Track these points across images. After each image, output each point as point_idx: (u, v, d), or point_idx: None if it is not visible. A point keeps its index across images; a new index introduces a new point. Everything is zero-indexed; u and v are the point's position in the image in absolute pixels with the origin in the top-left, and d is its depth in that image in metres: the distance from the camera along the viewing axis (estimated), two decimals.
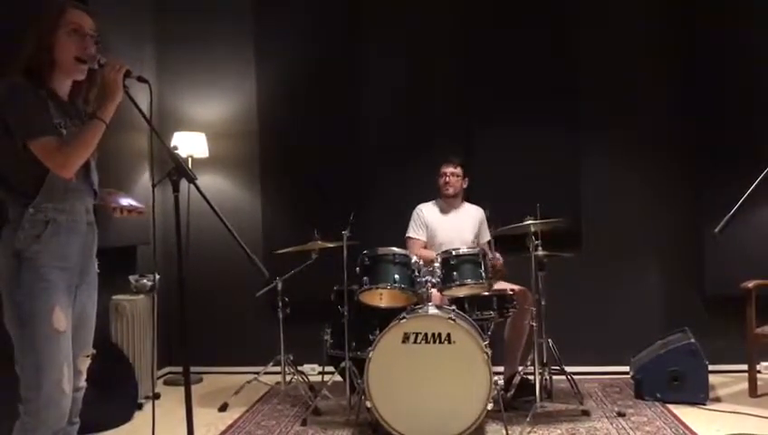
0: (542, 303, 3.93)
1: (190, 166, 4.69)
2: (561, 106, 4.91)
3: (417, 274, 3.81)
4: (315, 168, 4.99)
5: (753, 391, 4.21)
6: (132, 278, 4.44)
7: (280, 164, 5.10)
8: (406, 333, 3.49)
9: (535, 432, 3.65)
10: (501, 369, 4.17)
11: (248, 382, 4.41)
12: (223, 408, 4.21)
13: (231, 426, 3.91)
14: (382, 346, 3.51)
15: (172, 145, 4.65)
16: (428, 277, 3.78)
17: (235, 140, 5.18)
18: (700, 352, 4.10)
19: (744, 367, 4.28)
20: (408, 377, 3.48)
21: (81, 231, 2.35)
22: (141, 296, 4.36)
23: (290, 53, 5.08)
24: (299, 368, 4.51)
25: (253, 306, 4.71)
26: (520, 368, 4.12)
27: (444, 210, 4.51)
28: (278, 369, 4.38)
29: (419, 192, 4.61)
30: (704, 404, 4.04)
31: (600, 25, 4.92)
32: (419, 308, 3.67)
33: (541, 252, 3.88)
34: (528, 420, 3.68)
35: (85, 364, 2.44)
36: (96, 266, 2.47)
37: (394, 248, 3.88)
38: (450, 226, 4.45)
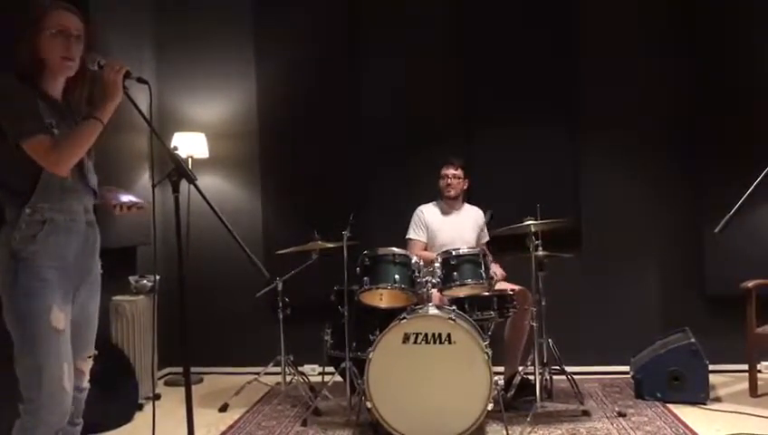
0: (543, 303, 3.93)
1: (190, 166, 4.69)
2: (560, 106, 4.91)
3: (417, 274, 3.81)
4: (315, 168, 4.99)
5: (753, 390, 4.21)
6: (132, 279, 4.44)
7: (280, 164, 5.10)
8: (406, 334, 3.49)
9: (536, 432, 3.65)
10: (501, 369, 4.17)
11: (249, 383, 4.42)
12: (223, 408, 4.21)
13: (231, 426, 3.91)
14: (382, 346, 3.51)
15: (172, 146, 4.68)
16: (428, 277, 3.78)
17: (235, 141, 5.18)
18: (700, 351, 4.10)
19: (745, 367, 4.28)
20: (409, 377, 3.48)
21: (79, 231, 2.35)
22: (141, 297, 4.36)
23: (290, 54, 5.08)
24: (299, 368, 4.51)
25: (253, 307, 4.71)
26: (520, 368, 4.12)
27: (445, 212, 4.50)
28: (278, 369, 4.38)
29: (419, 192, 4.61)
30: (704, 404, 4.04)
31: (601, 25, 4.91)
32: (420, 308, 3.67)
33: (541, 252, 3.88)
34: (528, 420, 3.68)
35: (88, 365, 2.44)
36: (99, 267, 2.47)
37: (394, 248, 3.88)
38: (451, 227, 4.45)
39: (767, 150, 3.34)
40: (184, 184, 2.37)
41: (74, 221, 2.33)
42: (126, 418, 3.97)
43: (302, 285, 4.26)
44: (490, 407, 3.42)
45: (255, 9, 5.14)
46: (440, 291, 3.84)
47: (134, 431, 3.89)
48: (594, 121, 4.91)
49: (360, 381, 3.78)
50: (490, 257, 4.08)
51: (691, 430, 3.62)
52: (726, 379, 4.56)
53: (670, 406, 4.02)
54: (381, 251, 3.84)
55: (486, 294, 3.88)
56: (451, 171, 4.44)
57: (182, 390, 2.41)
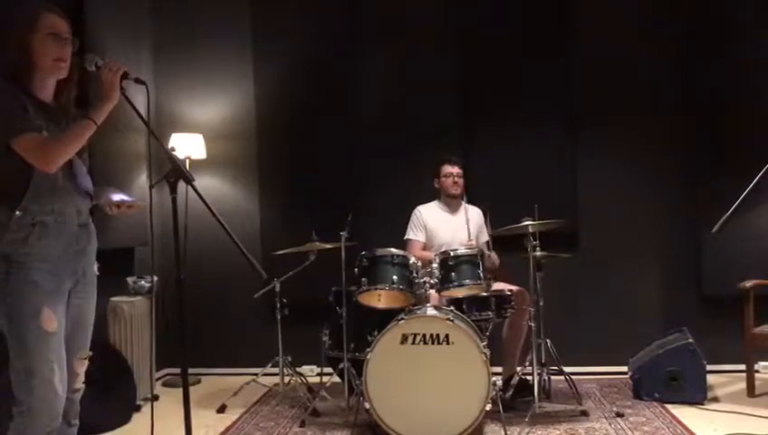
0: (541, 303, 3.93)
1: (188, 167, 4.71)
2: (559, 106, 4.91)
3: (415, 275, 3.81)
4: (313, 169, 4.99)
5: (751, 390, 4.21)
6: (130, 280, 4.44)
7: (278, 165, 5.10)
8: (404, 334, 3.49)
9: (534, 433, 3.64)
10: (499, 369, 4.17)
11: (247, 384, 4.41)
12: (221, 409, 4.20)
13: (229, 427, 3.90)
14: (381, 347, 3.51)
15: (170, 146, 4.67)
16: (427, 278, 3.78)
17: (232, 142, 5.18)
18: (698, 352, 4.10)
19: (742, 367, 4.29)
20: (407, 378, 3.48)
21: (70, 232, 2.34)
22: (139, 298, 4.35)
23: (288, 54, 5.08)
24: (297, 369, 4.50)
25: (251, 308, 4.71)
26: (518, 368, 4.12)
27: (445, 211, 4.50)
28: (276, 370, 4.37)
29: (417, 193, 4.61)
30: (702, 404, 4.05)
31: (599, 24, 4.92)
32: (418, 309, 3.67)
33: (539, 252, 3.88)
34: (527, 420, 3.68)
35: (82, 366, 2.44)
36: (95, 269, 2.46)
37: (392, 249, 3.88)
38: (450, 227, 4.44)
39: (765, 150, 3.33)
40: (182, 185, 2.37)
41: (65, 223, 2.32)
42: (124, 419, 3.96)
43: (301, 285, 4.26)
44: (488, 407, 3.41)
45: (253, 10, 5.14)
46: (438, 292, 3.84)
47: (132, 433, 3.88)
48: (592, 121, 4.91)
49: (358, 382, 3.78)
50: (487, 252, 4.07)
51: (689, 431, 3.62)
52: (724, 379, 4.56)
53: (668, 406, 4.03)
54: (379, 252, 3.84)
55: (484, 294, 3.88)
56: (456, 170, 4.44)
57: (180, 391, 2.40)
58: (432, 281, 3.78)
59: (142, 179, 4.82)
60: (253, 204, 5.17)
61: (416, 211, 4.49)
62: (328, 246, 4.11)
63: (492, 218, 4.42)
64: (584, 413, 3.91)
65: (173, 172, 2.34)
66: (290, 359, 4.39)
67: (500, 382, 4.06)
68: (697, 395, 4.07)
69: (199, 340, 4.44)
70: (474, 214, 4.57)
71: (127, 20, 4.76)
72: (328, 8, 5.08)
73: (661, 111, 4.90)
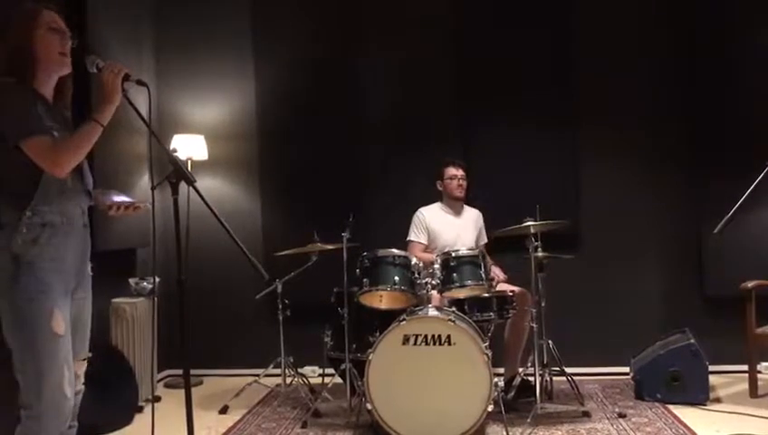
0: (542, 304, 3.93)
1: (189, 168, 4.70)
2: (559, 106, 4.90)
3: (416, 275, 3.81)
4: (314, 169, 4.99)
5: (753, 391, 4.21)
6: (132, 281, 4.44)
7: (279, 166, 5.10)
8: (406, 335, 3.49)
9: (536, 434, 3.64)
10: (501, 370, 4.17)
11: (249, 385, 4.41)
12: (223, 410, 4.20)
13: (231, 428, 3.90)
14: (382, 348, 3.51)
15: (171, 148, 4.68)
16: (428, 279, 3.78)
17: (234, 143, 5.18)
18: (700, 352, 4.10)
19: (745, 367, 4.28)
20: (409, 379, 3.48)
21: (76, 233, 2.35)
22: (141, 299, 4.36)
23: (288, 55, 5.08)
24: (299, 370, 4.51)
25: (253, 309, 4.71)
26: (520, 369, 4.12)
27: (447, 214, 4.50)
28: (278, 371, 4.37)
29: (418, 194, 4.61)
30: (704, 405, 4.04)
31: (599, 25, 4.92)
32: (419, 310, 3.67)
33: (540, 253, 3.87)
34: (529, 421, 3.68)
35: (82, 367, 2.44)
36: (89, 269, 2.46)
37: (394, 250, 3.88)
38: (452, 229, 4.44)
39: (766, 151, 3.32)
40: (183, 186, 2.37)
41: (72, 224, 2.32)
42: (126, 420, 3.97)
43: (302, 286, 4.26)
44: (490, 408, 3.41)
45: (254, 11, 5.14)
46: (440, 292, 3.85)
47: (134, 434, 3.88)
48: (593, 122, 4.90)
49: (360, 383, 3.78)
50: (489, 260, 4.07)
51: (691, 431, 3.62)
52: (726, 379, 4.56)
53: (670, 407, 4.02)
54: (381, 253, 3.84)
55: (486, 295, 3.88)
56: (460, 172, 4.45)
57: (182, 392, 2.41)
58: (434, 282, 3.78)
59: (144, 181, 4.82)
60: (254, 205, 5.17)
61: (418, 213, 4.49)
62: (329, 246, 4.12)
63: (494, 223, 4.42)
64: (586, 414, 3.90)
65: (175, 173, 2.34)
66: (292, 360, 4.39)
67: (502, 383, 4.04)
68: (699, 396, 4.07)
69: (201, 341, 4.43)
70: (474, 216, 4.57)
71: (128, 21, 4.77)
72: (328, 9, 5.07)
73: (663, 112, 4.89)
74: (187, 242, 4.68)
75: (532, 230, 3.85)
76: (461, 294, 3.85)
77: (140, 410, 4.14)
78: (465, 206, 4.57)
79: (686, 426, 3.69)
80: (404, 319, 3.55)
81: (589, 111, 4.91)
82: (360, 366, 3.68)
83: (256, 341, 4.85)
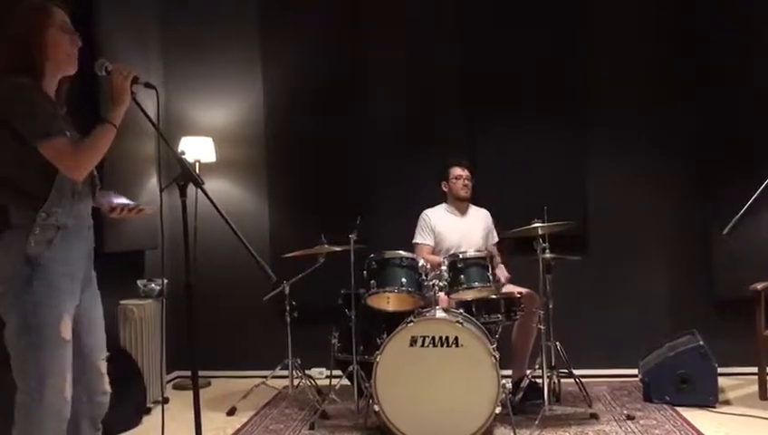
0: (550, 305, 3.92)
1: (197, 171, 4.73)
2: (566, 106, 4.90)
3: (424, 277, 3.81)
4: (322, 171, 5.00)
5: (762, 393, 4.18)
6: (141, 283, 4.46)
7: (287, 168, 5.12)
8: (413, 337, 3.49)
9: None
10: (509, 372, 4.16)
11: (256, 386, 4.42)
12: (231, 412, 4.21)
13: (239, 430, 3.91)
14: (390, 350, 3.51)
15: (179, 150, 4.68)
16: (435, 281, 3.77)
17: (242, 145, 5.20)
18: (709, 354, 4.08)
19: (754, 369, 4.26)
20: (416, 381, 3.48)
21: (86, 236, 2.36)
22: (150, 301, 4.37)
23: (296, 57, 5.09)
24: (307, 372, 4.51)
25: (260, 310, 4.71)
26: (528, 371, 4.11)
27: (453, 215, 4.49)
28: (286, 373, 4.38)
29: (426, 195, 4.60)
30: (713, 407, 4.02)
31: (606, 23, 4.91)
32: (427, 311, 3.67)
33: (548, 255, 3.86)
34: (536, 423, 3.66)
35: (105, 366, 2.44)
36: (93, 269, 2.46)
37: (401, 252, 3.88)
38: (458, 230, 4.44)
39: None
40: (191, 188, 2.38)
41: (82, 226, 2.33)
42: (134, 421, 3.98)
43: (310, 288, 4.27)
44: (498, 410, 3.41)
45: (261, 14, 5.16)
46: (447, 294, 3.84)
47: None
48: (601, 122, 4.90)
49: (367, 385, 3.78)
50: (498, 259, 4.06)
51: (700, 434, 3.60)
52: (736, 382, 4.54)
53: (679, 409, 4.00)
54: (388, 254, 3.84)
55: (494, 297, 3.87)
56: (466, 172, 4.44)
57: (190, 393, 2.41)
58: (441, 283, 3.77)
59: (152, 183, 4.84)
60: (262, 207, 5.19)
61: (423, 215, 4.48)
62: (337, 248, 4.12)
63: (501, 224, 4.41)
64: (594, 416, 3.89)
65: (183, 176, 2.34)
66: (299, 361, 4.39)
67: (509, 385, 4.03)
68: (708, 398, 4.05)
69: (209, 342, 4.43)
70: (481, 216, 4.56)
71: (137, 24, 4.79)
72: (335, 12, 5.08)
73: (672, 113, 4.87)
74: (195, 244, 4.70)
75: (540, 232, 3.84)
76: (468, 295, 3.85)
77: (149, 411, 4.15)
78: (471, 206, 4.56)
79: (695, 428, 3.68)
80: (411, 321, 3.55)
81: (596, 112, 4.90)
82: (368, 368, 3.68)
83: (264, 342, 4.86)
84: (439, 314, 3.60)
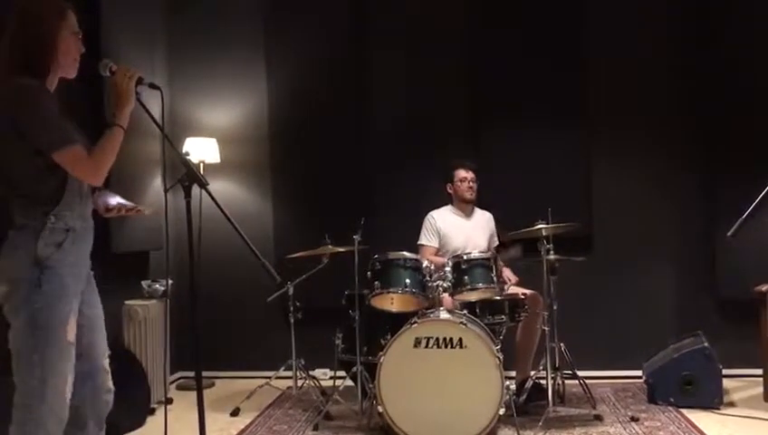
0: (554, 307, 3.91)
1: (202, 171, 4.73)
2: (572, 108, 4.89)
3: (428, 278, 3.81)
4: (326, 172, 5.00)
5: (767, 395, 4.17)
6: (145, 283, 4.46)
7: (291, 169, 5.12)
8: (417, 338, 3.49)
9: None
10: (513, 373, 4.16)
11: (260, 387, 4.41)
12: (235, 412, 4.21)
13: (243, 431, 3.91)
14: (394, 351, 3.51)
15: (184, 151, 4.70)
16: (439, 282, 3.77)
17: (246, 146, 5.20)
18: (714, 356, 4.07)
19: (759, 371, 4.25)
20: (420, 382, 3.48)
21: (89, 237, 2.36)
22: (154, 301, 4.38)
23: (300, 59, 5.10)
24: (310, 372, 4.50)
25: (264, 311, 4.71)
26: (532, 372, 4.10)
27: (458, 217, 4.49)
28: (290, 373, 4.38)
29: (430, 196, 4.60)
30: (718, 409, 4.02)
31: (611, 24, 4.90)
32: (431, 313, 3.67)
33: (552, 256, 3.86)
34: (540, 424, 3.66)
35: (107, 363, 2.44)
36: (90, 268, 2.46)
37: (405, 253, 3.88)
38: (463, 232, 4.43)
39: None
40: (196, 189, 2.38)
41: (87, 228, 2.34)
42: (138, 422, 3.98)
43: (314, 289, 4.27)
44: (502, 411, 3.41)
45: (266, 14, 5.16)
46: (451, 295, 3.84)
47: None
48: (606, 123, 4.89)
49: (371, 386, 3.78)
50: (500, 263, 4.05)
51: None
52: (740, 383, 4.52)
53: (683, 411, 4.00)
54: (392, 255, 3.84)
55: (498, 298, 3.87)
56: (471, 174, 4.44)
57: (194, 394, 2.42)
58: (445, 284, 3.77)
59: (157, 183, 4.85)
60: (266, 208, 5.19)
61: (428, 217, 4.48)
62: (341, 249, 4.12)
63: (505, 226, 4.40)
64: (598, 418, 3.89)
65: (187, 176, 2.35)
66: (303, 362, 4.40)
67: (513, 386, 4.05)
68: (713, 400, 4.04)
69: (213, 343, 4.46)
70: (486, 219, 4.56)
71: (141, 25, 4.79)
72: (340, 13, 5.09)
73: (676, 114, 4.86)
74: (200, 245, 4.71)
75: (545, 233, 3.83)
76: (472, 296, 3.84)
77: (153, 411, 4.16)
78: (475, 208, 4.56)
79: (699, 430, 3.67)
80: (415, 322, 3.55)
81: (600, 113, 4.89)
82: (372, 369, 3.69)
83: (268, 343, 4.87)
84: (443, 315, 3.60)
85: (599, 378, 4.68)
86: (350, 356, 3.98)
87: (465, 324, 3.48)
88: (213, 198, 2.40)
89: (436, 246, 4.42)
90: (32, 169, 2.20)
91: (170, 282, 4.15)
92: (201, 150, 4.88)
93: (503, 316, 3.87)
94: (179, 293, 4.41)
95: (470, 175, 4.44)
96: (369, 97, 5.06)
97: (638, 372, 4.48)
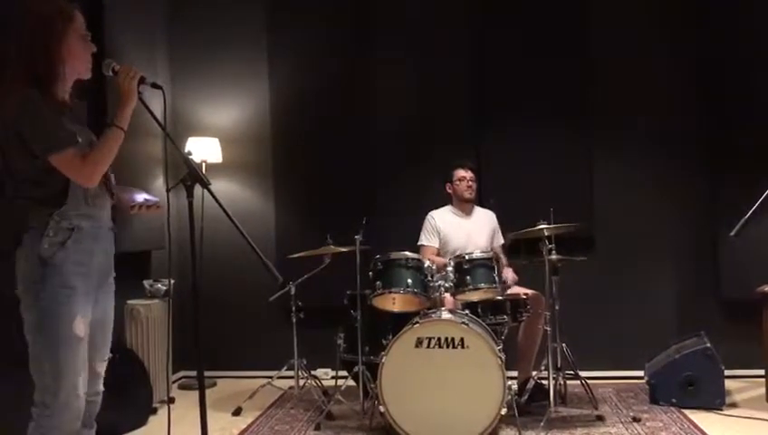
0: (556, 307, 3.91)
1: (204, 171, 4.72)
2: (573, 108, 4.88)
3: (429, 278, 3.81)
4: (328, 172, 5.00)
5: None
6: (147, 283, 4.47)
7: (293, 169, 5.12)
8: (419, 338, 3.49)
9: None
10: (515, 374, 4.16)
11: (262, 387, 4.42)
12: (237, 412, 4.22)
13: (245, 430, 3.92)
14: (395, 351, 3.51)
15: (186, 150, 4.69)
16: (441, 282, 3.77)
17: (248, 146, 5.21)
18: (716, 356, 4.06)
19: (761, 372, 4.24)
20: (422, 382, 3.48)
21: (103, 237, 2.38)
22: (156, 301, 4.38)
23: (302, 58, 5.11)
24: (312, 372, 4.51)
25: (266, 311, 4.72)
26: (534, 373, 4.10)
27: (458, 216, 4.49)
28: (292, 373, 4.39)
29: (432, 196, 4.60)
30: (720, 410, 4.01)
31: (614, 24, 4.90)
32: (432, 313, 3.67)
33: (554, 256, 3.86)
34: (542, 425, 3.66)
35: (104, 368, 2.46)
36: (113, 271, 2.49)
37: (407, 253, 3.88)
38: (464, 232, 4.43)
39: None
40: (198, 189, 2.39)
41: (100, 228, 2.35)
42: (140, 421, 3.99)
43: (316, 289, 4.28)
44: (503, 412, 3.41)
45: (268, 15, 5.17)
46: (453, 295, 3.84)
47: None
48: (608, 124, 4.89)
49: (373, 386, 3.78)
50: (504, 261, 4.05)
51: None
52: (743, 384, 4.52)
53: (686, 411, 3.99)
54: (394, 255, 3.84)
55: (500, 298, 3.87)
56: (470, 174, 4.44)
57: (196, 393, 2.42)
58: (447, 284, 3.77)
59: (159, 183, 4.86)
60: (268, 207, 5.19)
61: (428, 217, 4.48)
62: (343, 249, 4.12)
63: (507, 226, 4.40)
64: (600, 418, 3.88)
65: (189, 176, 2.36)
66: (305, 362, 4.40)
67: (515, 387, 4.05)
68: (715, 400, 4.03)
69: (215, 343, 4.46)
70: (487, 217, 4.56)
71: (144, 25, 4.80)
72: (342, 11, 5.09)
73: (678, 114, 4.86)
74: (202, 244, 4.71)
75: (547, 233, 3.83)
76: (474, 296, 3.84)
77: (155, 411, 4.16)
78: (476, 207, 4.56)
79: (701, 431, 3.67)
80: (417, 322, 3.55)
81: (604, 113, 4.89)
82: (373, 369, 3.69)
83: (270, 343, 4.86)
84: (445, 315, 3.60)
85: (600, 378, 4.68)
86: (352, 356, 3.98)
87: (466, 325, 3.48)
88: (215, 198, 2.40)
89: (437, 246, 4.42)
90: (36, 173, 2.23)
91: (172, 281, 4.14)
92: (203, 150, 4.89)
93: (504, 316, 3.87)
94: (181, 292, 4.41)
95: (469, 174, 4.44)
96: (371, 97, 5.05)
97: (640, 373, 4.48)
